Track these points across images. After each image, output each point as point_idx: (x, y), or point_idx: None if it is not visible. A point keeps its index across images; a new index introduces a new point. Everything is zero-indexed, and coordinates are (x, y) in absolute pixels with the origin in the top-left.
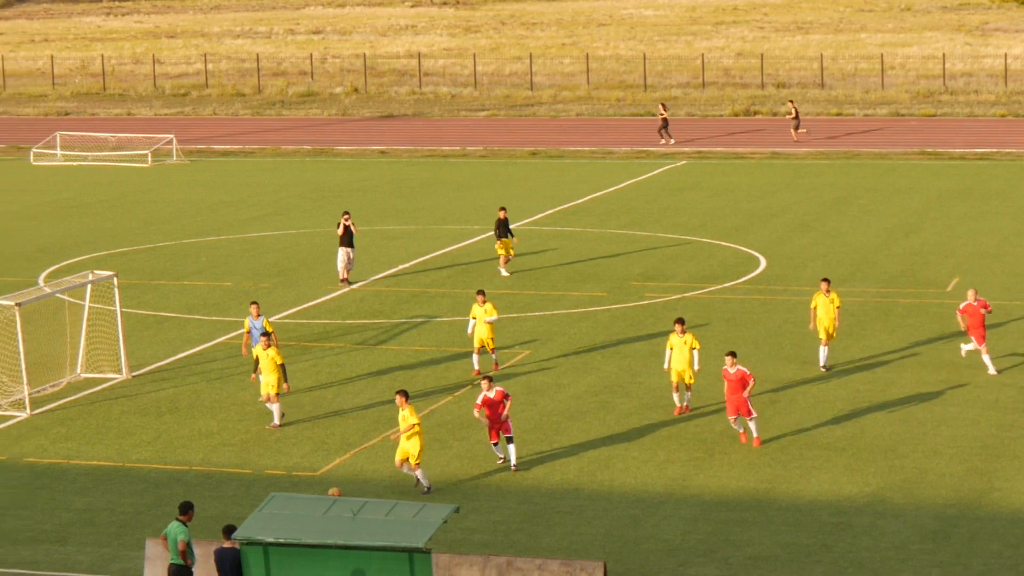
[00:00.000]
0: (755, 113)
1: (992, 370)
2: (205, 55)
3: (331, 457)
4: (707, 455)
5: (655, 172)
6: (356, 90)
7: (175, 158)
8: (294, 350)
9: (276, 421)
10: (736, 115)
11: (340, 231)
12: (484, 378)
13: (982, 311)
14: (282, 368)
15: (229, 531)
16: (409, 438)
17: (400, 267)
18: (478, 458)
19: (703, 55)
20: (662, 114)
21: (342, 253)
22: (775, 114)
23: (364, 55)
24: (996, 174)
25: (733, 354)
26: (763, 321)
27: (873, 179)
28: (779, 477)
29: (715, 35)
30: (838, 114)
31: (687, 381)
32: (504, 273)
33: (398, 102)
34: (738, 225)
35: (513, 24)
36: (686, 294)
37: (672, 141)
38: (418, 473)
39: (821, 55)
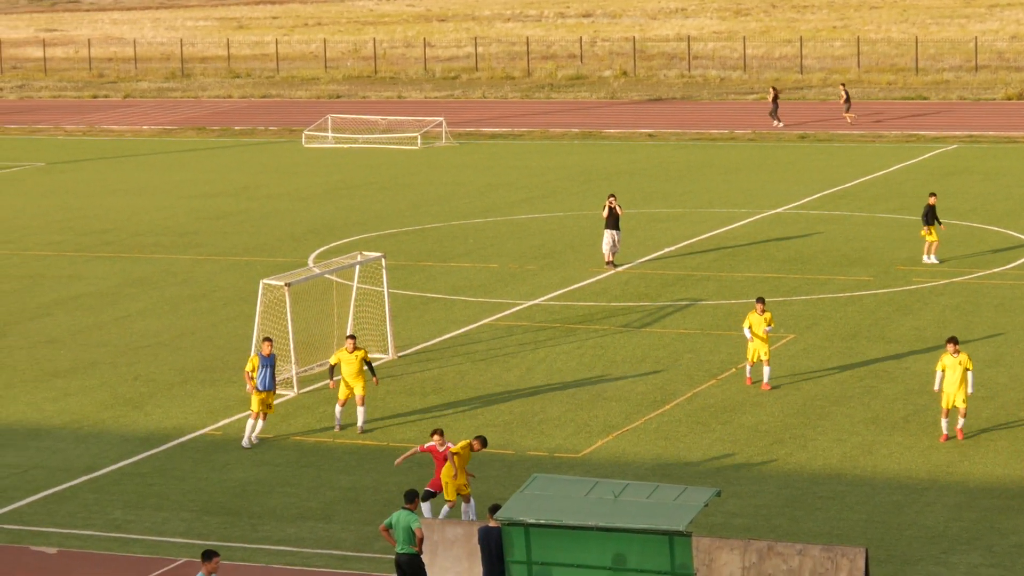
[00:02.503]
0: None
1: None
2: (475, 38)
3: (593, 439)
4: (972, 442)
5: (925, 156)
6: (625, 73)
7: (444, 141)
8: (558, 332)
9: (360, 424)
10: (1009, 98)
11: (605, 213)
12: (435, 433)
13: None
14: (369, 366)
15: (494, 510)
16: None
17: (666, 250)
18: (740, 442)
19: (976, 38)
20: (774, 96)
21: (608, 236)
22: None
23: (633, 38)
24: None
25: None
26: None
27: None
28: None
29: (989, 18)
30: None
31: (959, 405)
32: (932, 260)
33: (667, 85)
34: (1009, 210)
35: (783, 7)
36: (954, 279)
37: (780, 124)
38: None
39: None
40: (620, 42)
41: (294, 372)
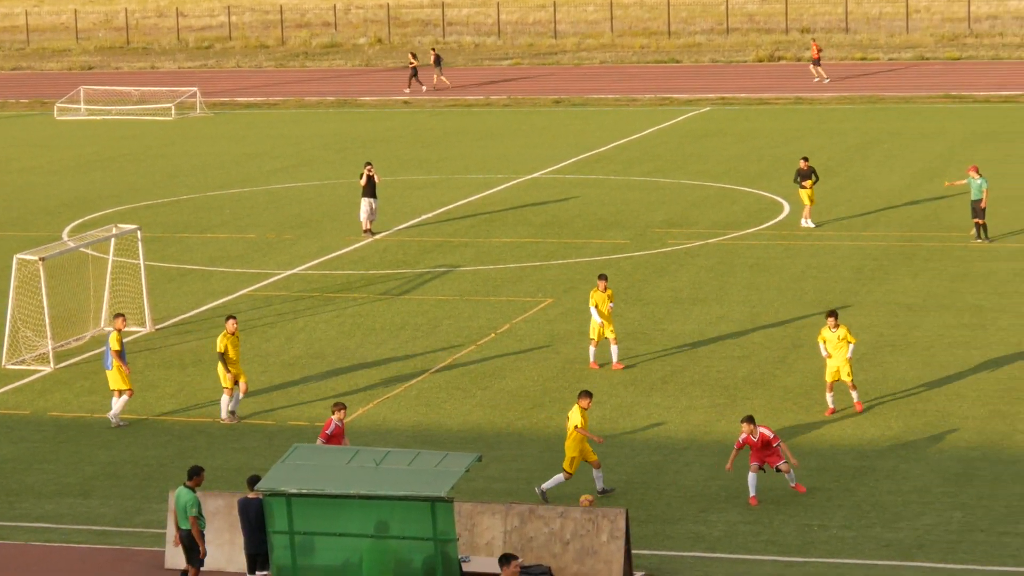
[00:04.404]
0: (779, 59)
1: None
2: (228, 7)
3: (354, 407)
4: (729, 401)
5: (679, 119)
6: (379, 40)
7: (199, 111)
8: (317, 301)
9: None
10: (760, 61)
11: (363, 181)
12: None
13: None
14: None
15: (253, 482)
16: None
17: (423, 217)
18: (500, 407)
19: (727, 1)
20: (412, 63)
21: (365, 203)
22: (799, 59)
23: (387, 5)
24: (1021, 117)
25: None
26: (787, 267)
27: (898, 123)
28: (802, 422)
29: None
30: (862, 58)
31: (845, 379)
32: (807, 224)
33: (421, 52)
34: (762, 171)
35: None
36: (709, 240)
37: (424, 88)
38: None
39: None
40: (374, 9)
41: (50, 347)
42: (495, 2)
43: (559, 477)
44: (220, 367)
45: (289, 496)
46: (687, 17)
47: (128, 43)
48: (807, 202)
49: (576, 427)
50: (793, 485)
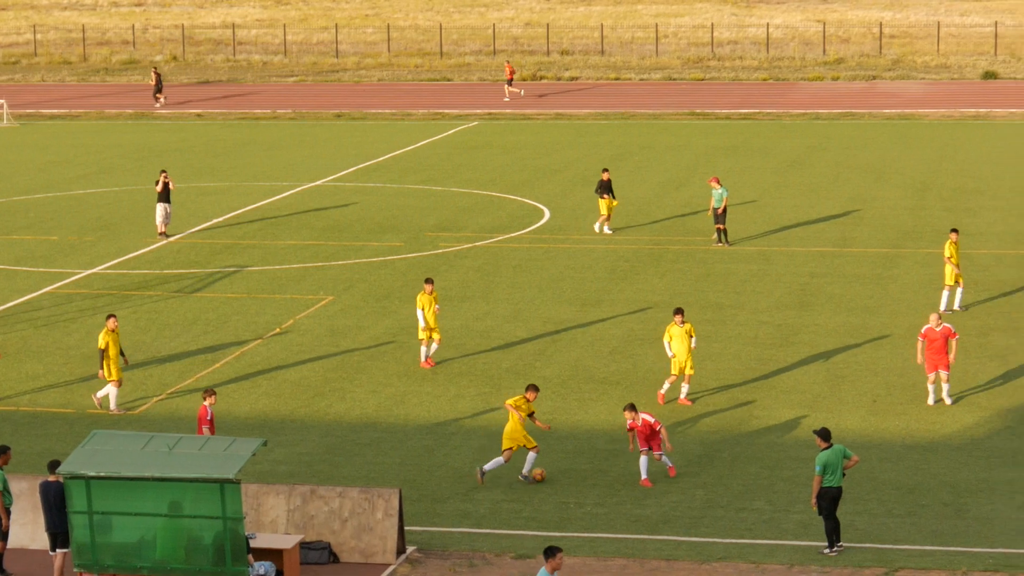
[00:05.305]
0: (541, 78)
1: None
2: (34, 26)
3: (150, 397)
4: (495, 390)
5: (449, 132)
6: (175, 58)
7: (5, 122)
8: (115, 298)
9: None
10: (524, 79)
11: (159, 188)
12: (207, 392)
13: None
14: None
15: (53, 466)
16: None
17: (214, 221)
18: (284, 396)
19: (494, 25)
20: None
21: (160, 208)
22: (559, 79)
23: (182, 25)
24: (758, 132)
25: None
26: (547, 267)
27: (648, 138)
28: (560, 409)
29: (505, 6)
30: (616, 78)
31: (688, 372)
32: (607, 231)
33: (214, 69)
34: (525, 180)
35: None
36: (477, 243)
37: (159, 103)
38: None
39: (602, 25)
40: (170, 29)
41: None
42: (282, 24)
43: (499, 460)
44: (103, 362)
45: (88, 479)
46: (458, 39)
47: None
48: (604, 211)
49: (521, 416)
50: (668, 467)
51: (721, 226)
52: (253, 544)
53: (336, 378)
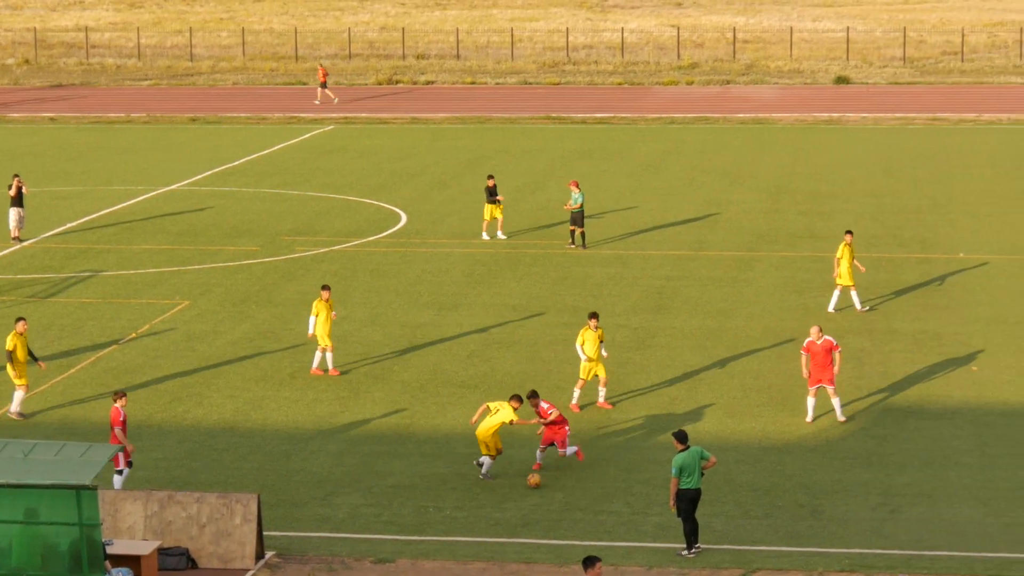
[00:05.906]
0: (397, 82)
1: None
2: None
3: (3, 402)
4: (352, 394)
5: (305, 136)
6: (27, 61)
7: None
8: None
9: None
10: (380, 83)
11: (12, 192)
12: (117, 394)
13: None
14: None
15: None
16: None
17: (68, 225)
18: (141, 401)
19: (349, 29)
20: None
21: (13, 213)
22: (415, 83)
23: (35, 28)
24: (613, 136)
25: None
26: (404, 271)
27: (504, 141)
28: (418, 413)
29: (361, 10)
30: (472, 83)
31: (601, 375)
32: (500, 236)
33: (67, 72)
34: (381, 184)
35: (174, 0)
36: (333, 247)
37: None
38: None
39: (457, 29)
40: (22, 32)
41: None
42: (136, 27)
43: (487, 461)
44: (8, 365)
45: None
46: (313, 43)
47: None
48: (492, 216)
49: (511, 422)
50: (575, 451)
51: (579, 229)
52: (110, 550)
53: (194, 383)
